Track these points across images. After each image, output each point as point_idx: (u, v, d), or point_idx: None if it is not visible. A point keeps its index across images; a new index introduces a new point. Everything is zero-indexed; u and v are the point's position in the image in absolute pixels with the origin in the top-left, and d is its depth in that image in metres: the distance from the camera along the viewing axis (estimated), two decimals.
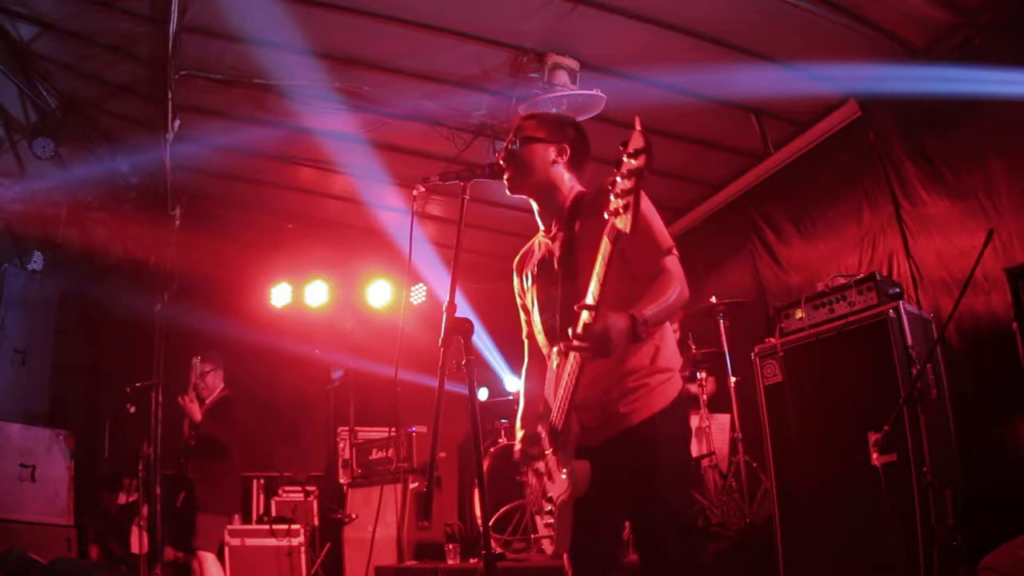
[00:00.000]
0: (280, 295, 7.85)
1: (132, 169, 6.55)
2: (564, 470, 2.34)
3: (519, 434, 2.67)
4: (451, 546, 5.89)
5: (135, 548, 5.99)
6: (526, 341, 2.80)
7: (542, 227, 2.64)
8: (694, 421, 5.52)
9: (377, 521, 6.24)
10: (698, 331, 5.66)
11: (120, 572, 6.02)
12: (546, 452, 2.45)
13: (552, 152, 2.54)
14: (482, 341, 7.33)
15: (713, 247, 6.51)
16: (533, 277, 2.63)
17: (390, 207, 6.60)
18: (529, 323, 2.73)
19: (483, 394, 7.44)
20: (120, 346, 7.13)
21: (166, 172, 5.62)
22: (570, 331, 2.13)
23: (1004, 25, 4.27)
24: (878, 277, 4.09)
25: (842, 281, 4.24)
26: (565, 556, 2.44)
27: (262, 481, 7.25)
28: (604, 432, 2.35)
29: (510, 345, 7.42)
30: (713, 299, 5.38)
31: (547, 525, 2.43)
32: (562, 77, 4.80)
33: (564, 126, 2.62)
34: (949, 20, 4.46)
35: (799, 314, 4.33)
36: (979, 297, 4.16)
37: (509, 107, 5.13)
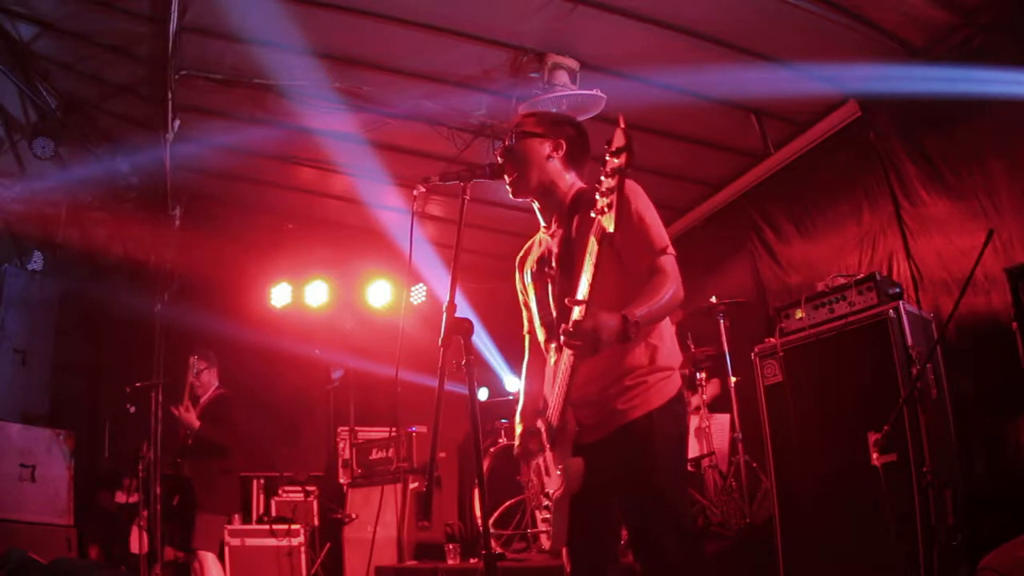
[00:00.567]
0: (280, 295, 7.85)
1: (132, 169, 6.55)
2: (559, 467, 2.36)
3: (518, 429, 2.69)
4: (451, 546, 5.89)
5: (135, 548, 5.99)
6: (527, 337, 2.82)
7: (543, 224, 2.65)
8: (694, 421, 5.52)
9: (377, 521, 6.24)
10: (698, 331, 5.65)
11: (120, 572, 6.02)
12: (545, 448, 2.47)
13: (547, 147, 2.55)
14: (482, 341, 7.33)
15: (713, 247, 6.51)
16: (532, 274, 2.65)
17: (390, 207, 6.60)
18: (530, 319, 2.75)
19: (483, 394, 7.44)
20: (120, 346, 7.13)
21: (166, 172, 5.62)
22: (561, 328, 2.15)
23: (1004, 25, 4.27)
24: (878, 277, 4.09)
25: (842, 281, 4.23)
26: (564, 550, 2.46)
27: (262, 481, 7.25)
28: (601, 430, 2.37)
29: (510, 345, 7.45)
30: (713, 299, 5.38)
31: (544, 520, 2.45)
32: (562, 77, 4.80)
33: (561, 123, 2.63)
34: (949, 20, 4.46)
35: (799, 314, 4.33)
36: (979, 297, 4.16)
37: (509, 107, 5.13)
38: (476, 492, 5.97)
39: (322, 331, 7.91)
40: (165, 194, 5.87)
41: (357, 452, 7.01)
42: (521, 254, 2.79)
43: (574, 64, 4.84)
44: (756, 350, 4.49)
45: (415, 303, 7.88)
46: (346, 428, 7.26)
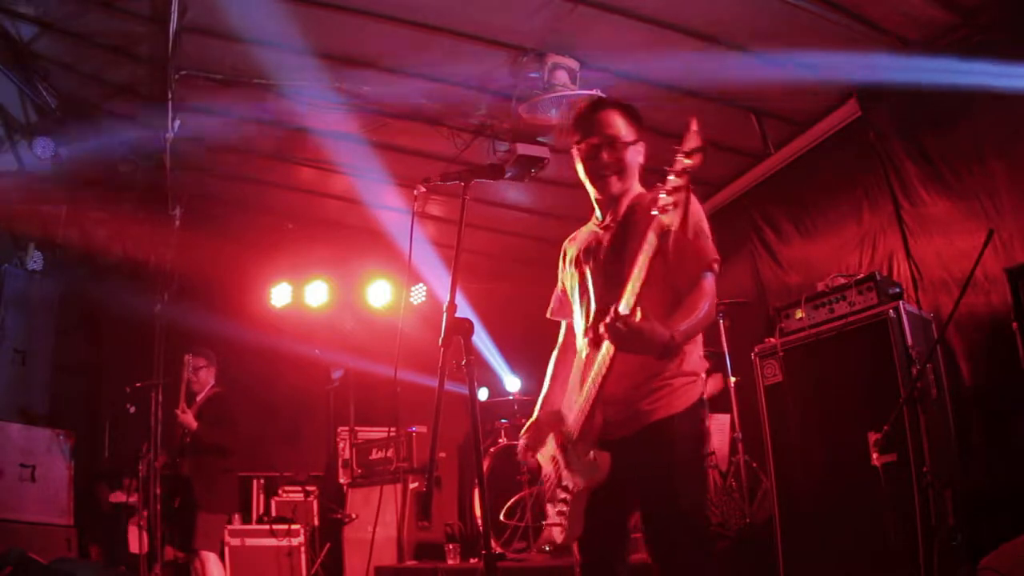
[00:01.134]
0: (280, 295, 7.85)
1: (132, 169, 6.54)
2: (586, 459, 2.37)
3: (536, 411, 2.69)
4: (451, 546, 5.89)
5: (134, 548, 5.99)
6: (563, 323, 2.82)
7: (598, 216, 2.63)
8: None
9: (377, 521, 6.24)
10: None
11: (120, 572, 6.02)
12: (568, 440, 2.48)
13: (640, 154, 2.59)
14: (482, 341, 7.33)
15: None
16: (578, 261, 2.63)
17: (390, 207, 6.60)
18: (560, 304, 2.78)
19: (483, 394, 7.43)
20: (120, 346, 7.13)
21: (166, 172, 5.62)
22: (613, 309, 2.14)
23: (1003, 25, 4.27)
24: (878, 277, 4.09)
25: (842, 281, 4.23)
26: (575, 544, 2.47)
27: (262, 481, 7.25)
28: (626, 428, 2.37)
29: (510, 345, 7.47)
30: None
31: (559, 513, 2.46)
32: (562, 77, 4.80)
33: (641, 121, 2.61)
34: (949, 20, 4.46)
35: (799, 314, 4.33)
36: (979, 297, 4.15)
37: (509, 107, 5.13)
38: (476, 492, 5.97)
39: (322, 331, 7.91)
40: (165, 194, 5.87)
41: (357, 452, 7.01)
42: (569, 239, 2.77)
43: (574, 64, 4.84)
44: (756, 350, 4.48)
45: (415, 303, 7.88)
46: (346, 428, 7.26)
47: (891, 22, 4.52)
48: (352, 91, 5.25)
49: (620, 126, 2.53)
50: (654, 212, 2.05)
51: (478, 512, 6.01)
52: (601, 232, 2.58)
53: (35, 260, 6.84)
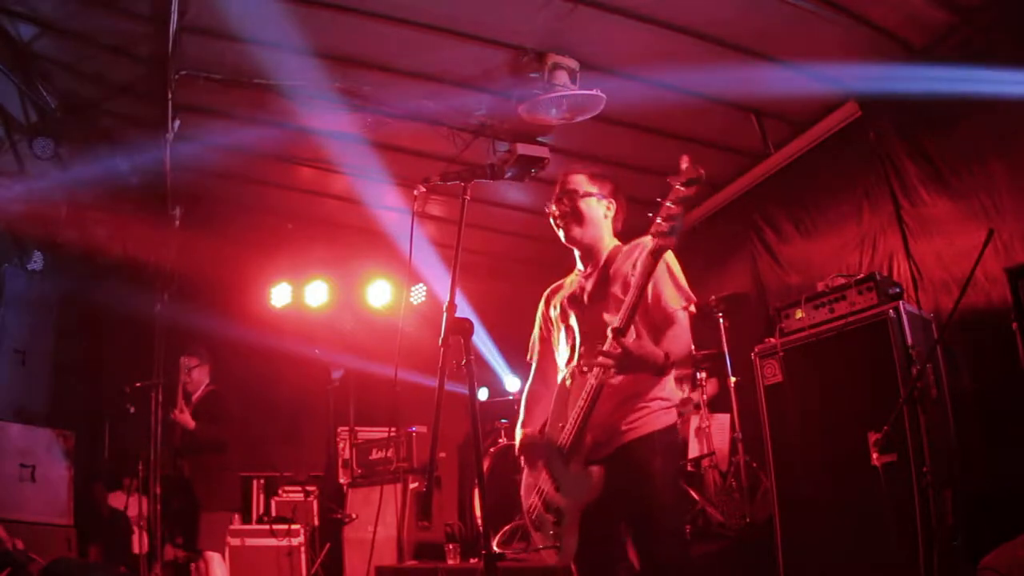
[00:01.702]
0: (280, 295, 7.85)
1: (132, 169, 6.54)
2: (578, 476, 2.46)
3: (518, 435, 2.81)
4: (451, 546, 5.89)
5: (135, 548, 5.99)
6: (533, 365, 2.99)
7: (580, 268, 2.84)
8: (694, 421, 5.52)
9: (377, 521, 6.24)
10: (698, 331, 5.64)
11: (119, 572, 6.02)
12: (553, 463, 2.56)
13: (606, 209, 2.82)
14: (482, 341, 7.33)
15: (713, 247, 6.50)
16: (562, 307, 2.83)
17: (390, 207, 6.60)
18: (542, 348, 2.95)
19: (483, 394, 7.44)
20: (120, 346, 7.13)
21: (166, 172, 5.61)
22: (611, 329, 2.32)
23: (1004, 25, 4.27)
24: (878, 277, 4.09)
25: (842, 281, 4.24)
26: (572, 566, 2.54)
27: (262, 481, 7.25)
28: (606, 448, 2.51)
29: (510, 345, 7.46)
30: (713, 298, 5.38)
31: (551, 536, 2.53)
32: (562, 77, 4.79)
33: (611, 184, 2.86)
34: (949, 20, 4.46)
35: (799, 314, 4.33)
36: (979, 297, 4.16)
37: (509, 107, 5.13)
38: (476, 492, 5.97)
39: (322, 331, 7.90)
40: (165, 194, 5.85)
41: (357, 452, 7.01)
42: (551, 289, 2.97)
43: (574, 64, 4.84)
44: (756, 350, 4.49)
45: (415, 303, 7.87)
46: (346, 428, 7.26)
47: (891, 22, 4.52)
48: (352, 91, 5.25)
49: (580, 182, 2.80)
50: (650, 237, 2.25)
51: (478, 512, 6.00)
52: (583, 280, 2.80)
53: (35, 260, 6.83)
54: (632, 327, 2.36)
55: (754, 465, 5.09)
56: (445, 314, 2.27)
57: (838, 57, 4.71)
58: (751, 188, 6.21)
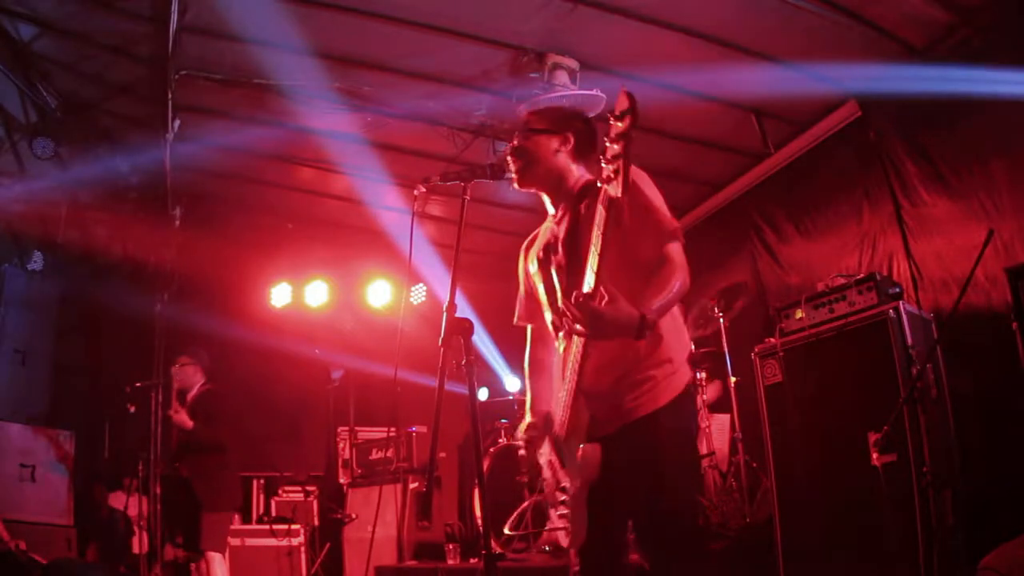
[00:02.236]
0: (280, 295, 7.85)
1: (132, 169, 6.54)
2: (576, 455, 2.33)
3: (527, 418, 2.65)
4: (451, 546, 5.88)
5: (135, 548, 5.99)
6: (528, 329, 2.80)
7: (551, 213, 2.64)
8: None
9: (377, 521, 6.24)
10: (698, 331, 5.65)
11: (119, 572, 6.02)
12: (557, 440, 2.45)
13: (555, 142, 2.55)
14: (482, 341, 7.33)
15: (713, 247, 6.50)
16: (539, 261, 2.62)
17: (390, 207, 6.60)
18: (527, 307, 2.76)
19: (483, 394, 7.43)
20: (120, 346, 7.13)
21: (166, 172, 5.62)
22: (573, 295, 2.11)
23: (1004, 25, 4.27)
24: (878, 277, 4.09)
25: (842, 281, 4.23)
26: (572, 552, 2.44)
27: (262, 481, 7.25)
28: (610, 425, 2.34)
29: (510, 345, 7.45)
30: (712, 294, 5.38)
31: (562, 516, 2.42)
32: (562, 77, 4.80)
33: (568, 117, 2.64)
34: (949, 20, 4.46)
35: (799, 314, 4.33)
36: (979, 297, 4.16)
37: (509, 107, 5.13)
38: (476, 492, 5.97)
39: (322, 331, 7.91)
40: (165, 194, 5.86)
41: (357, 452, 7.01)
42: (527, 241, 2.78)
43: (574, 64, 4.85)
44: (756, 350, 4.48)
45: (415, 303, 7.87)
46: (346, 428, 7.26)
47: (891, 22, 4.52)
48: (352, 91, 5.26)
49: (527, 121, 2.60)
50: (599, 184, 2.00)
51: (478, 512, 6.00)
52: (556, 226, 2.58)
53: (35, 260, 6.84)
54: (605, 286, 2.09)
55: (754, 465, 5.09)
56: (445, 314, 2.25)
57: (838, 57, 4.71)
58: (751, 188, 6.21)
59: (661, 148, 5.73)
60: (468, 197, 2.45)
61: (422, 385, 5.34)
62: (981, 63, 4.20)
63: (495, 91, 5.24)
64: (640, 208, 2.28)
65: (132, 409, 5.58)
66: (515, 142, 2.58)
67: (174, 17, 4.46)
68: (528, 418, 2.65)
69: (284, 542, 6.29)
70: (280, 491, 7.02)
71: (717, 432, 5.51)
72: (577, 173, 2.57)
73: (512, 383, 7.56)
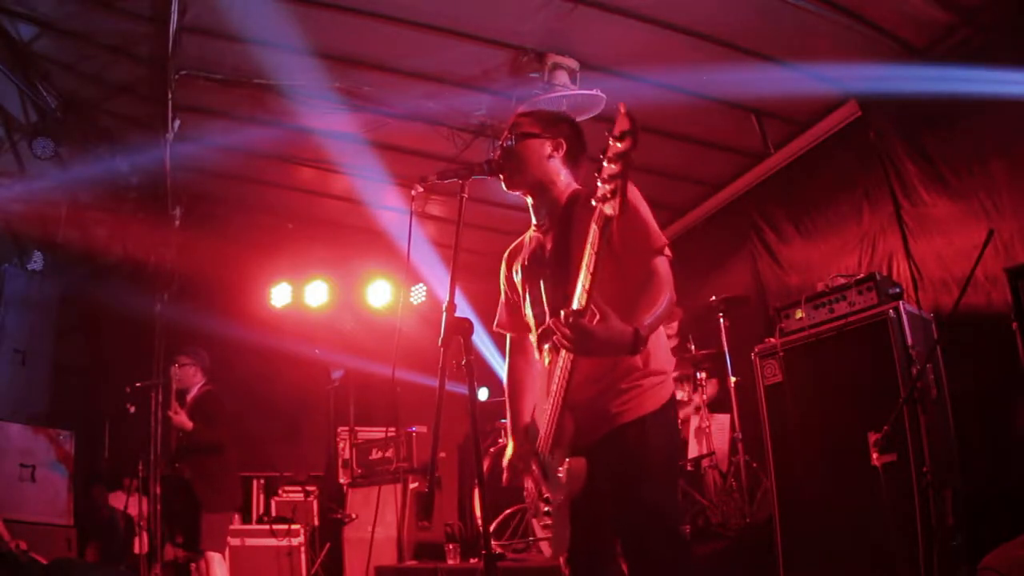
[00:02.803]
0: (280, 295, 7.85)
1: (132, 169, 6.54)
2: (560, 468, 2.32)
3: (509, 447, 2.62)
4: (451, 546, 5.88)
5: (135, 548, 5.99)
6: (508, 339, 2.76)
7: (535, 221, 2.61)
8: (694, 421, 5.51)
9: (377, 521, 6.24)
10: (698, 331, 5.65)
11: (119, 572, 6.02)
12: (541, 454, 2.43)
13: (547, 147, 2.51)
14: (482, 341, 7.33)
15: (713, 247, 6.51)
16: (523, 270, 2.59)
17: (390, 207, 6.60)
18: (508, 316, 2.72)
19: (483, 394, 7.43)
20: (120, 346, 7.13)
21: (166, 172, 5.62)
22: (562, 313, 2.08)
23: (1004, 25, 4.27)
24: (878, 277, 4.08)
25: (842, 281, 4.23)
26: (562, 559, 2.42)
27: (262, 481, 7.25)
28: (595, 433, 2.32)
29: None
30: (713, 298, 5.38)
31: (545, 527, 2.41)
32: (562, 77, 4.80)
33: (559, 122, 2.60)
34: (949, 20, 4.46)
35: (799, 314, 4.33)
36: (979, 297, 4.16)
37: (509, 107, 5.13)
38: (476, 492, 5.96)
39: (322, 331, 7.91)
40: (165, 194, 5.86)
41: (357, 452, 7.01)
42: (510, 250, 2.73)
43: (574, 64, 4.84)
44: (756, 350, 4.48)
45: (415, 303, 7.87)
46: (346, 428, 7.26)
47: (891, 22, 4.52)
48: (352, 91, 5.26)
49: (518, 124, 2.55)
50: (593, 202, 1.97)
51: (478, 512, 6.00)
52: (542, 236, 2.54)
53: (35, 260, 6.84)
54: (596, 304, 2.07)
55: (754, 465, 5.08)
56: (445, 314, 2.25)
57: (838, 57, 4.71)
58: (751, 188, 6.21)
59: (661, 148, 5.72)
60: (466, 195, 2.43)
61: (422, 385, 5.34)
62: (981, 63, 4.19)
63: (495, 91, 5.24)
64: (631, 223, 2.26)
65: (132, 409, 5.58)
66: (505, 143, 2.54)
67: (174, 17, 4.46)
68: (511, 446, 2.60)
69: (284, 542, 6.30)
70: (280, 491, 7.02)
71: (717, 432, 5.50)
72: (564, 179, 2.54)
73: None
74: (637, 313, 2.16)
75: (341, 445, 7.18)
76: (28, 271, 6.79)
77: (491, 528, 2.37)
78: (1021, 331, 3.42)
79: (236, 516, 6.30)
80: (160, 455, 5.29)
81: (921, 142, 4.72)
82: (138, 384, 5.49)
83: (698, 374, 5.51)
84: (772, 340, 4.40)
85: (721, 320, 5.35)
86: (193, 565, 5.38)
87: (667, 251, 2.33)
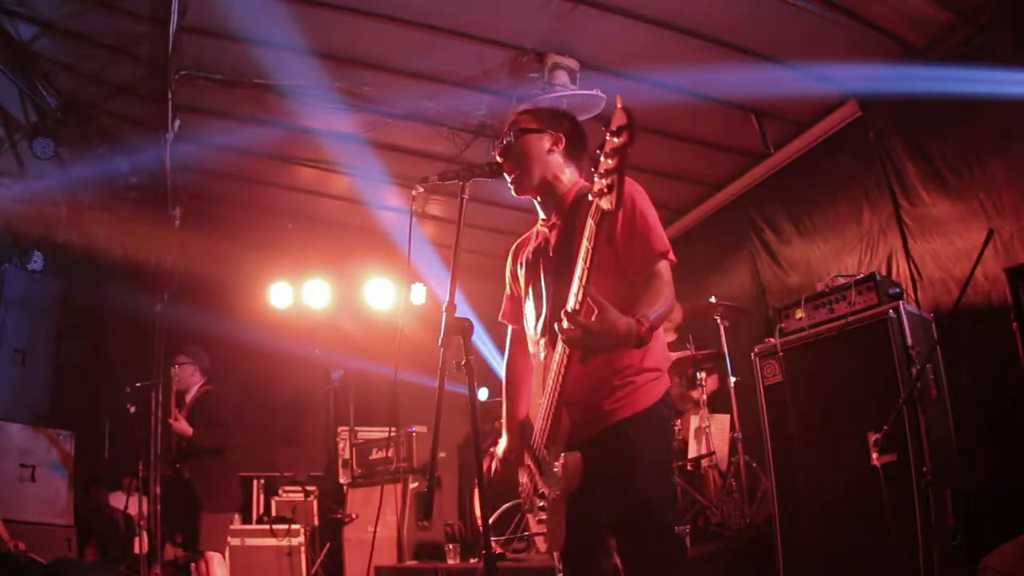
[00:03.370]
0: (280, 295, 7.85)
1: (132, 169, 6.55)
2: (556, 463, 2.33)
3: (502, 440, 2.63)
4: (451, 546, 5.89)
5: (135, 548, 5.99)
6: (509, 331, 2.77)
7: (543, 217, 2.61)
8: (694, 421, 5.51)
9: (377, 521, 6.24)
10: (698, 331, 5.65)
11: (119, 572, 6.02)
12: (536, 449, 2.44)
13: (547, 142, 2.52)
14: (482, 341, 7.33)
15: (713, 247, 6.51)
16: (527, 264, 2.60)
17: (390, 207, 6.61)
18: (511, 308, 2.73)
19: (483, 394, 7.43)
20: (120, 346, 7.13)
21: (166, 172, 5.62)
22: (562, 312, 2.07)
23: (1004, 25, 4.27)
24: (878, 277, 4.09)
25: (842, 281, 4.23)
26: (556, 554, 2.43)
27: (262, 481, 7.25)
28: (589, 429, 2.32)
29: None
30: (713, 299, 5.38)
31: (540, 522, 2.42)
32: (562, 77, 4.80)
33: (557, 117, 2.60)
34: (949, 20, 4.46)
35: (799, 314, 4.33)
36: (979, 297, 4.16)
37: (509, 107, 5.12)
38: (476, 492, 5.97)
39: (322, 331, 7.91)
40: (165, 194, 5.87)
41: (357, 452, 7.01)
42: (517, 243, 2.74)
43: (574, 64, 4.84)
44: (756, 350, 4.48)
45: (415, 303, 7.87)
46: (346, 428, 7.26)
47: (891, 22, 4.52)
48: (352, 91, 5.26)
49: (518, 120, 2.56)
50: (590, 197, 1.97)
51: (478, 512, 6.00)
52: (548, 231, 2.55)
53: (35, 260, 6.84)
54: (592, 297, 2.03)
55: (754, 465, 5.09)
56: (445, 314, 2.25)
57: (838, 57, 4.71)
58: (751, 188, 6.21)
59: (661, 148, 5.72)
60: (466, 196, 2.43)
61: (422, 385, 5.33)
62: (981, 63, 4.19)
63: (495, 91, 5.24)
64: (634, 223, 2.28)
65: (132, 409, 5.57)
66: (504, 141, 2.55)
67: (174, 17, 4.46)
68: (505, 439, 2.62)
69: (284, 542, 6.30)
70: (280, 491, 7.02)
71: (717, 432, 5.50)
72: (569, 175, 2.54)
73: None
74: (640, 307, 2.15)
75: (341, 445, 7.18)
76: (28, 271, 6.78)
77: (490, 524, 2.37)
78: (1021, 331, 3.42)
79: (236, 516, 6.30)
80: (160, 455, 5.29)
81: (921, 142, 4.72)
82: (138, 384, 5.48)
83: (698, 374, 5.51)
84: (772, 340, 4.40)
85: (721, 321, 5.35)
86: (193, 565, 5.38)
87: (671, 256, 2.32)
